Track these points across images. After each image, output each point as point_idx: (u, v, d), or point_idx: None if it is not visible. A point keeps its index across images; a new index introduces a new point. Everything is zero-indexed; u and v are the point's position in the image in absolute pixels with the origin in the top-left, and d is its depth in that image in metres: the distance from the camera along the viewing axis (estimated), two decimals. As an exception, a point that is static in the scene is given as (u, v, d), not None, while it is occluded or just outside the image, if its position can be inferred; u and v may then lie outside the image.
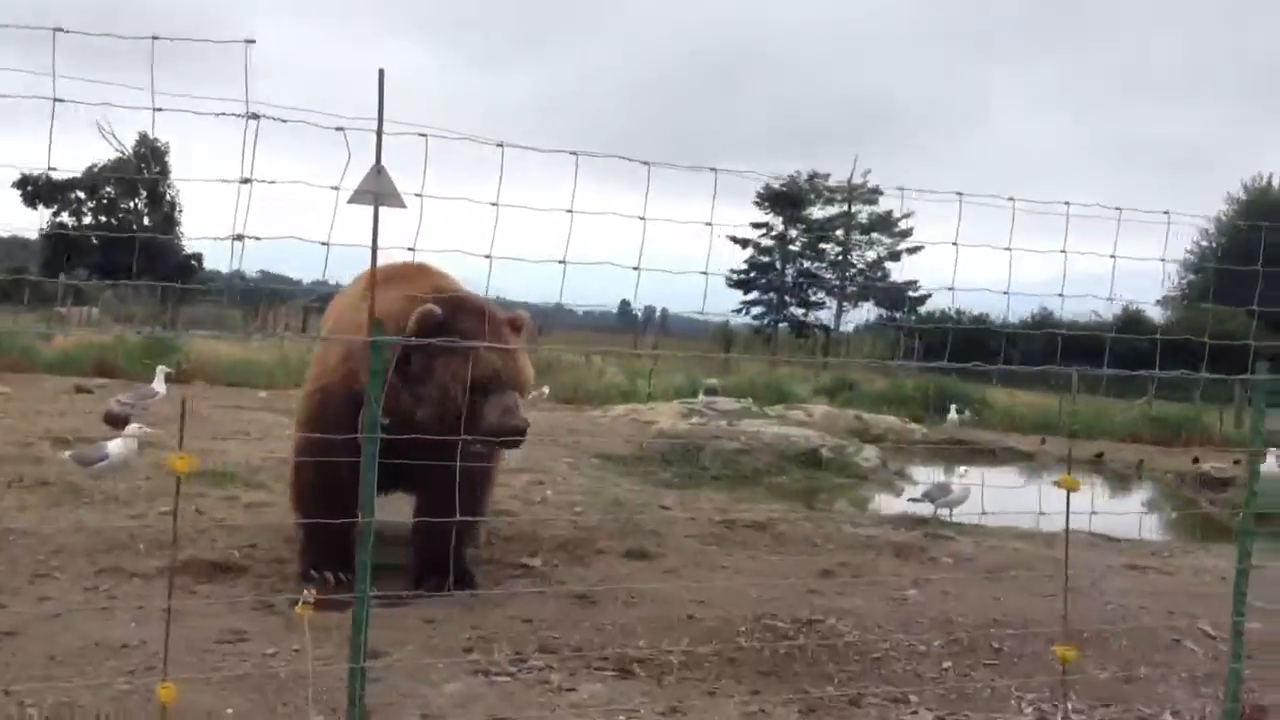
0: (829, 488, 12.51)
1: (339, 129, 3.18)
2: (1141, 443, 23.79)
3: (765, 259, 55.22)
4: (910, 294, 51.42)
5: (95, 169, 48.51)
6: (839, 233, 53.83)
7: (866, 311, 55.70)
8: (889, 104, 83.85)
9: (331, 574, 6.00)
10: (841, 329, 53.57)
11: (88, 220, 51.47)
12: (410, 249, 4.20)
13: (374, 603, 5.60)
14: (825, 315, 55.43)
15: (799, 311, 55.75)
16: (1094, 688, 5.42)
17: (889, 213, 51.87)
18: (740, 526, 8.30)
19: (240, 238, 3.63)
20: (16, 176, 45.81)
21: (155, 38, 3.22)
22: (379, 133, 3.28)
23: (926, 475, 13.28)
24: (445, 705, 4.48)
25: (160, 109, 3.40)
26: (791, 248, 54.98)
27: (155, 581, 5.89)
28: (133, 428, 8.85)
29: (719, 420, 16.06)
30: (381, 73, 3.11)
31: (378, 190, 3.35)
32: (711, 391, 19.94)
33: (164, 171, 49.59)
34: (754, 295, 55.71)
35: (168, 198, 52.31)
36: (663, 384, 25.84)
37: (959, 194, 4.81)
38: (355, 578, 5.99)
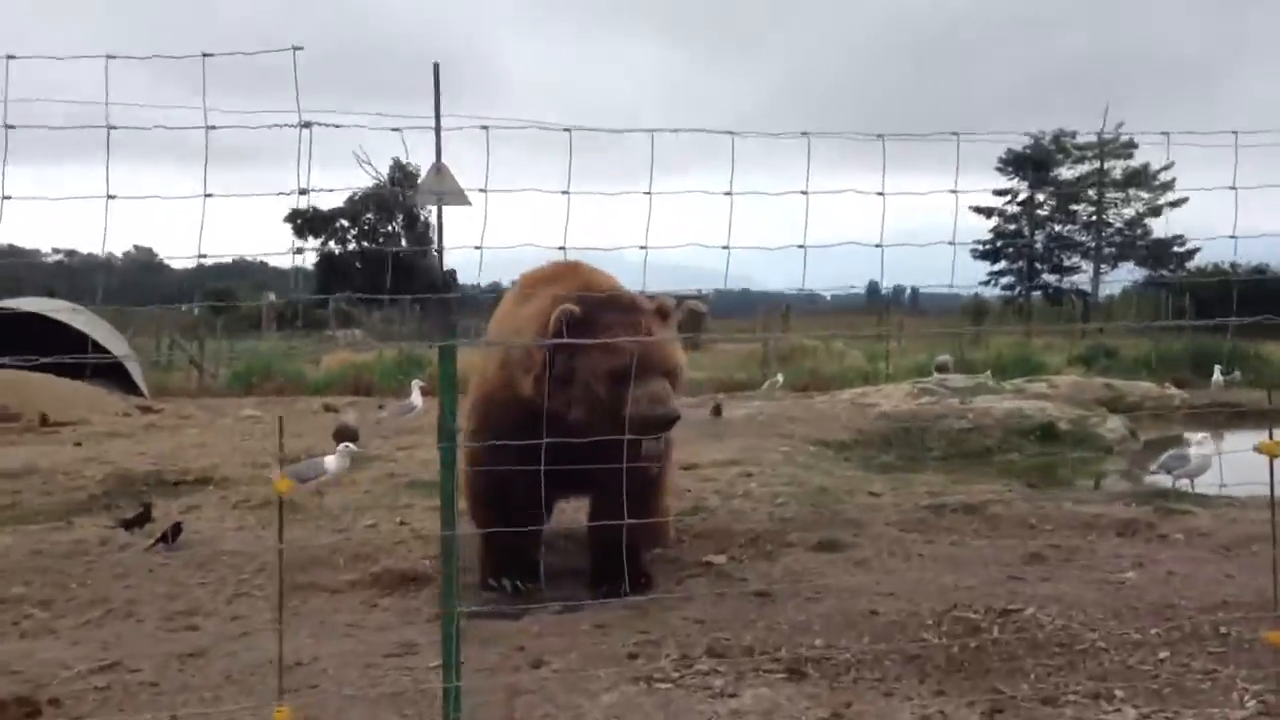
0: (1065, 463, 11.67)
1: (395, 129, 3.16)
2: None
3: (1012, 226, 52.75)
4: (1176, 249, 47.96)
5: (355, 197, 51.88)
6: (1091, 191, 50.77)
7: (1128, 272, 52.26)
8: (1135, 55, 78.54)
9: (509, 582, 6.02)
10: (1101, 293, 50.47)
11: (351, 248, 54.96)
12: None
13: (548, 609, 5.66)
14: (1082, 280, 52.43)
15: (1052, 278, 52.96)
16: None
17: (1146, 165, 48.47)
18: (949, 511, 7.83)
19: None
20: (287, 212, 49.70)
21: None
22: (437, 130, 3.23)
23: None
24: (599, 716, 4.37)
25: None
26: (1039, 212, 52.30)
27: (344, 596, 6.09)
28: (343, 446, 9.22)
29: (951, 398, 15.35)
30: (437, 67, 3.04)
31: (440, 190, 3.29)
32: (943, 369, 19.11)
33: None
34: (1002, 265, 53.35)
35: (422, 218, 55.19)
36: (905, 364, 25.07)
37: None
38: (536, 584, 6.11)
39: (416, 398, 13.10)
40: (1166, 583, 5.83)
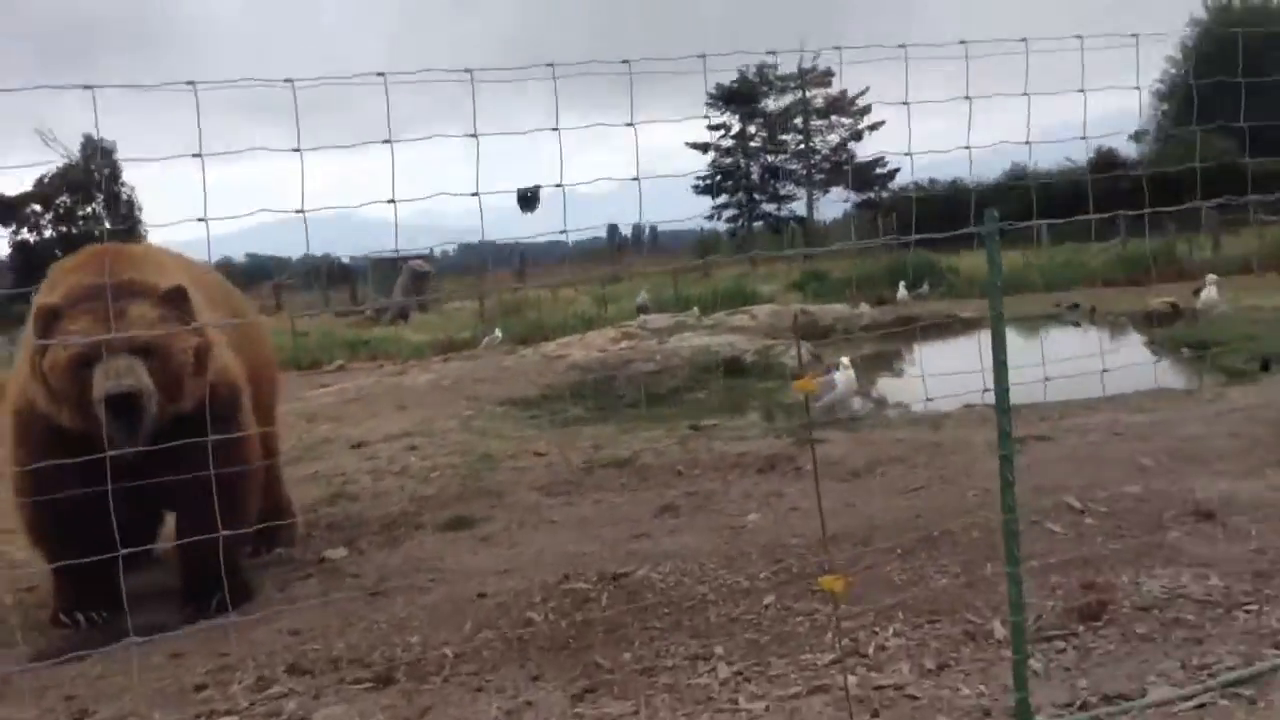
0: (751, 395, 11.76)
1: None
2: (1117, 286, 23.17)
3: (728, 160, 54.05)
4: (878, 171, 50.35)
5: (45, 180, 47.80)
6: (797, 121, 52.54)
7: (838, 197, 54.57)
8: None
9: (83, 615, 5.35)
10: (817, 218, 52.51)
11: (49, 234, 50.78)
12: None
13: (122, 644, 5.02)
14: (800, 208, 54.40)
15: (771, 208, 54.71)
16: (929, 594, 4.77)
17: (844, 92, 50.50)
18: (599, 466, 7.62)
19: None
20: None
21: None
22: None
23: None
24: (137, 768, 3.83)
25: None
26: (752, 144, 53.77)
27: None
28: None
29: (650, 340, 15.34)
30: None
31: None
32: (644, 309, 19.19)
33: (115, 171, 48.66)
34: (724, 199, 54.66)
35: (124, 197, 51.38)
36: (631, 306, 25.11)
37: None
38: (117, 614, 5.45)
39: None
40: (785, 521, 5.77)
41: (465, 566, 5.56)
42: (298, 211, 3.60)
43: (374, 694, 4.35)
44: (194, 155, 3.42)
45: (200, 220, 3.37)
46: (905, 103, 4.55)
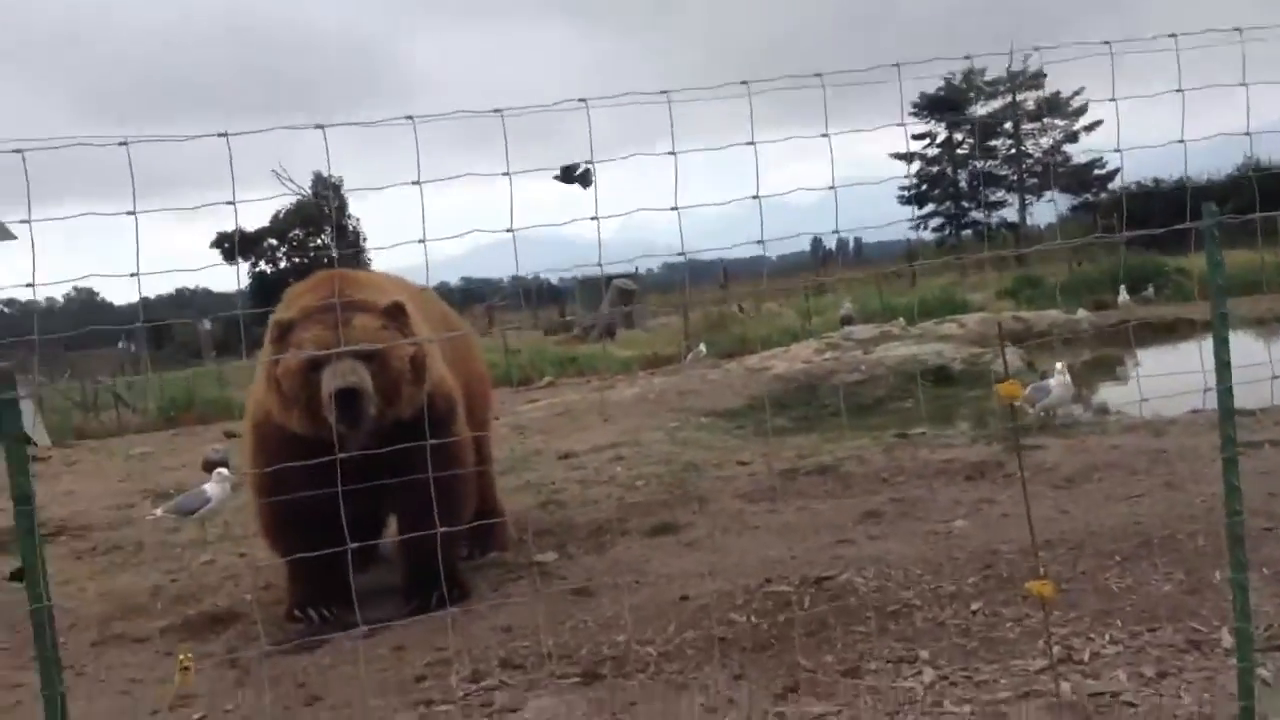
0: (959, 404, 11.47)
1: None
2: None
3: (934, 169, 52.80)
4: (1096, 172, 48.15)
5: (280, 215, 51.14)
6: (1007, 125, 50.86)
7: (1054, 202, 52.50)
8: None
9: (315, 611, 5.70)
10: (1030, 223, 50.60)
11: (283, 265, 54.21)
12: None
13: (349, 636, 5.33)
14: (1010, 214, 52.58)
15: (980, 215, 53.08)
16: (1150, 602, 4.56)
17: (1057, 93, 48.59)
18: (802, 474, 7.59)
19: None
20: (214, 237, 48.96)
21: None
22: None
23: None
24: (362, 752, 4.07)
25: None
26: (959, 151, 52.35)
27: (147, 645, 5.74)
28: (218, 472, 8.83)
29: (854, 351, 15.15)
30: None
31: None
32: (848, 320, 18.93)
33: (342, 205, 51.59)
34: (930, 208, 53.39)
35: (350, 228, 54.39)
36: (836, 319, 24.85)
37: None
38: (346, 610, 5.79)
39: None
40: (994, 527, 5.61)
41: (669, 570, 5.65)
42: (507, 230, 3.78)
43: (581, 689, 4.48)
44: (413, 183, 3.65)
45: (420, 242, 3.58)
46: (1113, 99, 4.41)
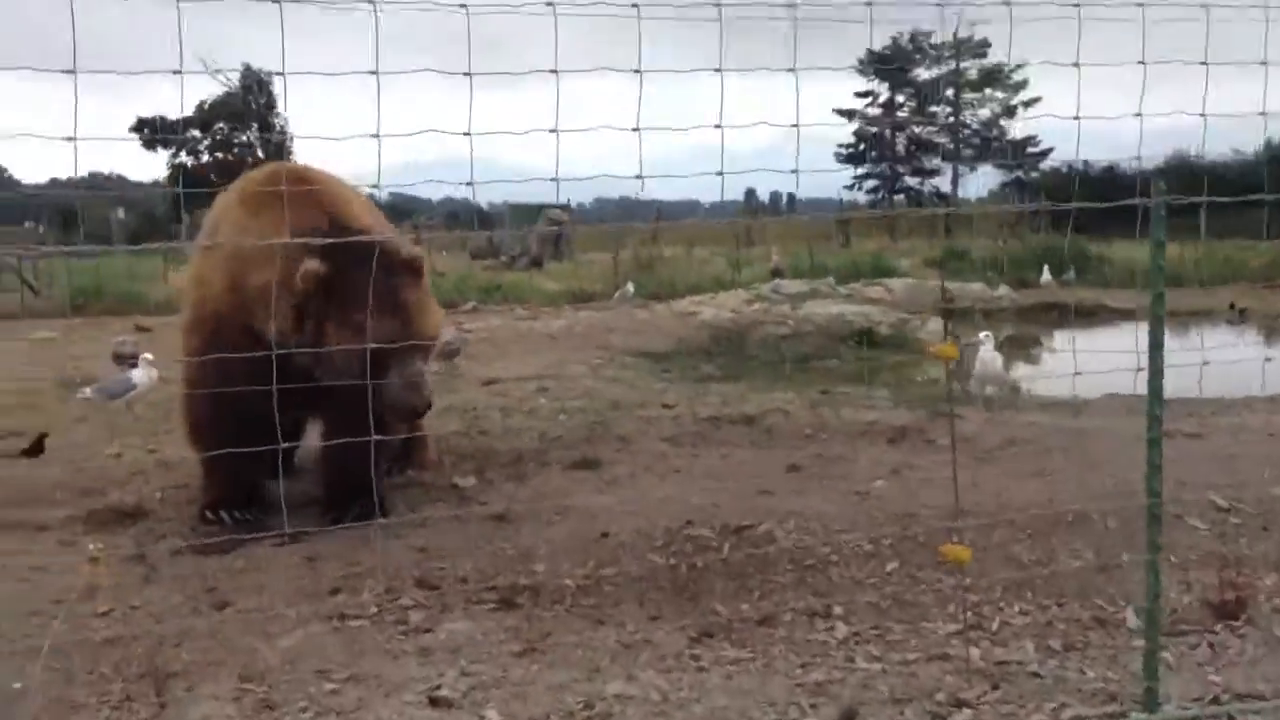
0: (883, 367, 11.63)
1: None
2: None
3: (873, 129, 53.07)
4: (1030, 150, 48.81)
5: (205, 106, 49.48)
6: (948, 93, 51.24)
7: (985, 175, 53.18)
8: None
9: (227, 514, 5.60)
10: (961, 195, 51.21)
11: (205, 159, 52.59)
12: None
13: (262, 543, 5.25)
14: (944, 184, 53.14)
15: (914, 181, 53.58)
16: (1059, 577, 4.68)
17: (1000, 65, 49.00)
18: (727, 422, 7.63)
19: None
20: (133, 122, 47.26)
21: None
22: None
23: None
24: (273, 661, 4.02)
25: None
26: (900, 114, 52.66)
27: (48, 534, 5.60)
28: (144, 357, 8.65)
29: (782, 305, 15.24)
30: None
31: None
32: (777, 274, 19.02)
33: (270, 101, 50.14)
34: (866, 168, 53.69)
35: (278, 126, 52.90)
36: (764, 271, 24.95)
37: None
38: (260, 515, 5.72)
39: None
40: (914, 492, 5.70)
41: (590, 505, 5.64)
42: (465, 134, 3.67)
43: (497, 614, 4.47)
44: (370, 72, 3.50)
45: (374, 136, 3.45)
46: (1076, 64, 4.37)
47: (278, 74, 3.48)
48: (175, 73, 3.61)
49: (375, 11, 3.50)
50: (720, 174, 4.07)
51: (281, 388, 4.01)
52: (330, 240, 4.99)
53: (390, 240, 5.55)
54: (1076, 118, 4.51)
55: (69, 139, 3.36)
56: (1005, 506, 5.36)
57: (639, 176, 4.02)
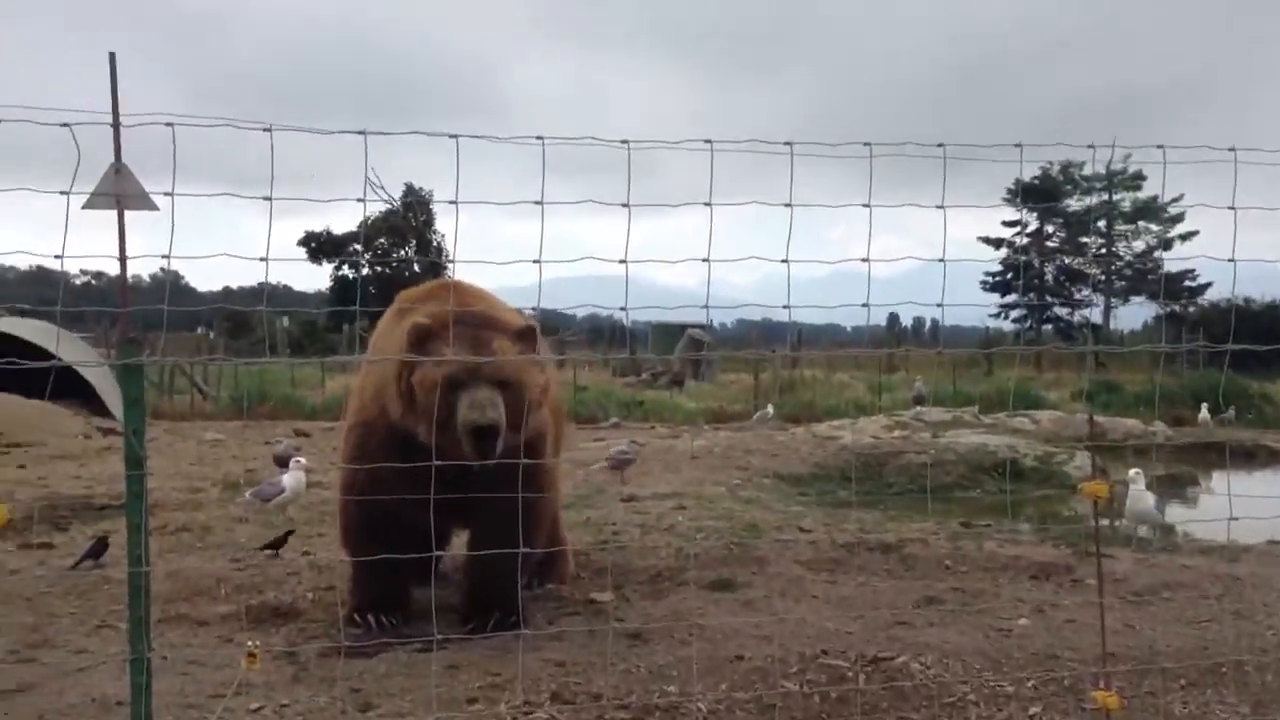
0: (1027, 501, 11.37)
1: (64, 125, 2.95)
2: None
3: (1022, 258, 52.41)
4: (1187, 283, 47.42)
5: (368, 221, 51.93)
6: (1100, 224, 50.35)
7: (1140, 306, 51.75)
8: (1144, 90, 78.87)
9: (374, 618, 5.79)
10: (1113, 327, 49.84)
11: (365, 272, 54.98)
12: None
13: (407, 647, 5.42)
14: (1094, 315, 51.91)
15: (1064, 312, 52.49)
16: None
17: (1154, 198, 48.00)
18: (864, 549, 7.55)
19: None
20: (301, 235, 49.98)
21: None
22: (115, 125, 3.03)
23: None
24: (411, 763, 4.13)
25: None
26: (1048, 244, 51.90)
27: (209, 629, 5.88)
28: (295, 462, 9.11)
29: (924, 432, 15.06)
30: (113, 56, 2.87)
31: (121, 193, 3.10)
32: (919, 400, 18.79)
33: (429, 218, 52.37)
34: (1012, 298, 52.84)
35: (435, 242, 55.15)
36: (906, 396, 24.70)
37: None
38: (403, 620, 5.89)
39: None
40: (1058, 632, 5.55)
41: (725, 627, 5.65)
42: (620, 261, 3.87)
43: (628, 733, 4.51)
44: (535, 202, 3.76)
45: (535, 262, 3.68)
46: (1232, 207, 4.41)
47: (449, 202, 3.73)
48: (358, 200, 3.94)
49: (543, 146, 3.77)
50: (866, 305, 4.17)
51: (430, 497, 4.20)
52: (438, 310, 5.28)
53: (507, 315, 5.75)
54: (1232, 259, 4.50)
55: (262, 259, 3.69)
56: (1156, 653, 5.18)
57: (786, 306, 4.16)
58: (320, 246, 54.11)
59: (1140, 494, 8.02)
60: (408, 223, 52.87)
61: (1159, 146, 4.18)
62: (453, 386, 5.16)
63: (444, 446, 5.11)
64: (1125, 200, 49.98)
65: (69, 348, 18.19)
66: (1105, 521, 8.61)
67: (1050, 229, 51.67)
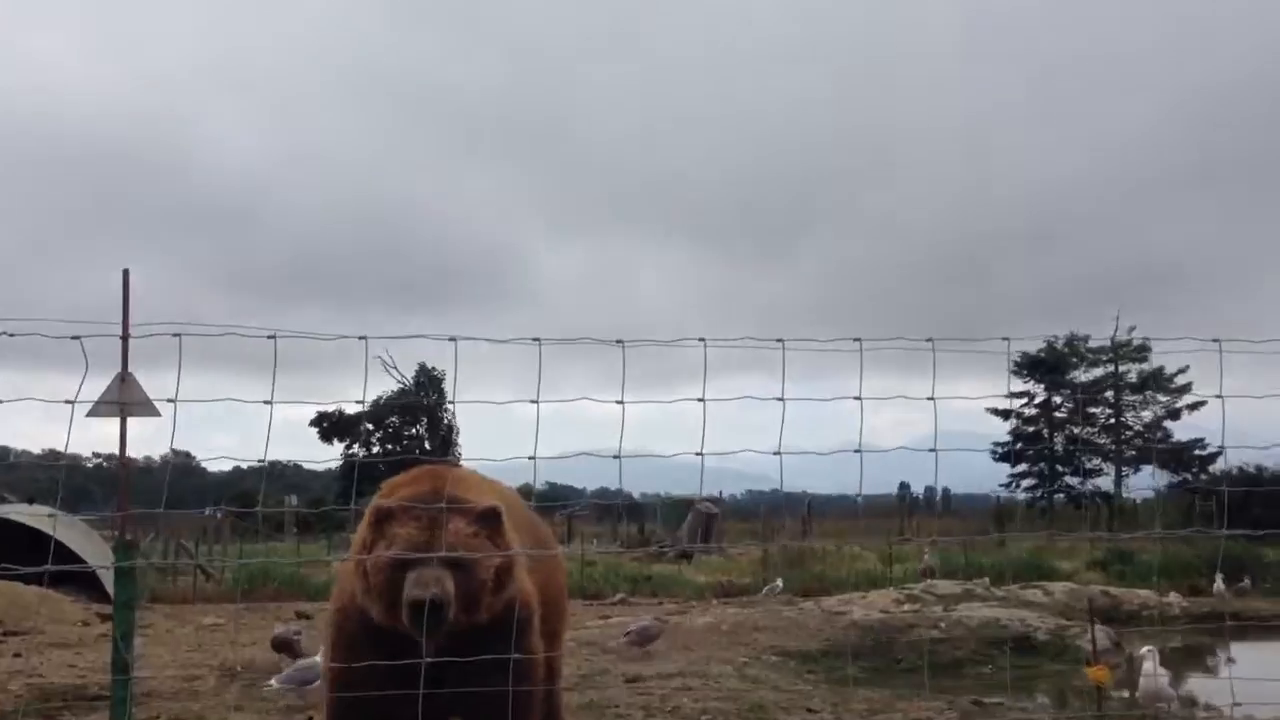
0: (1041, 676, 11.10)
1: (75, 337, 3.09)
2: None
3: (1030, 429, 52.44)
4: (1197, 452, 47.24)
5: (380, 400, 52.43)
6: (1108, 394, 50.55)
7: (1152, 476, 51.51)
8: (1148, 263, 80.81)
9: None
10: (1125, 496, 49.43)
11: (375, 450, 55.21)
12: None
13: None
14: (1105, 483, 51.56)
15: (1074, 480, 52.19)
16: None
17: (1161, 369, 48.44)
18: (873, 731, 7.37)
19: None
20: (313, 415, 50.47)
21: None
22: (125, 338, 3.16)
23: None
24: None
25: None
26: (1057, 414, 52.03)
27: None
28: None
29: (934, 606, 14.84)
30: (126, 273, 3.02)
31: (124, 400, 3.21)
32: (929, 572, 18.55)
33: (440, 399, 52.94)
34: (1022, 467, 52.68)
35: (445, 422, 55.51)
36: (916, 568, 24.35)
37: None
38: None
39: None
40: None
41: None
42: (614, 456, 4.00)
43: None
44: (531, 401, 3.91)
45: (530, 459, 3.81)
46: (1220, 396, 4.58)
47: (450, 402, 3.89)
48: (358, 403, 4.06)
49: (540, 346, 3.95)
50: (860, 488, 4.23)
51: (409, 692, 4.15)
52: (397, 503, 5.28)
53: (481, 498, 5.73)
54: (1221, 448, 4.64)
55: (262, 462, 3.79)
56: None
57: (778, 490, 4.22)
58: (331, 427, 54.68)
59: (1152, 675, 7.85)
60: (420, 401, 53.37)
61: (1145, 340, 4.38)
62: (401, 566, 5.16)
63: (396, 628, 5.10)
64: (1131, 371, 50.43)
65: (71, 534, 18.13)
66: (1125, 694, 8.42)
67: (1058, 399, 51.90)
